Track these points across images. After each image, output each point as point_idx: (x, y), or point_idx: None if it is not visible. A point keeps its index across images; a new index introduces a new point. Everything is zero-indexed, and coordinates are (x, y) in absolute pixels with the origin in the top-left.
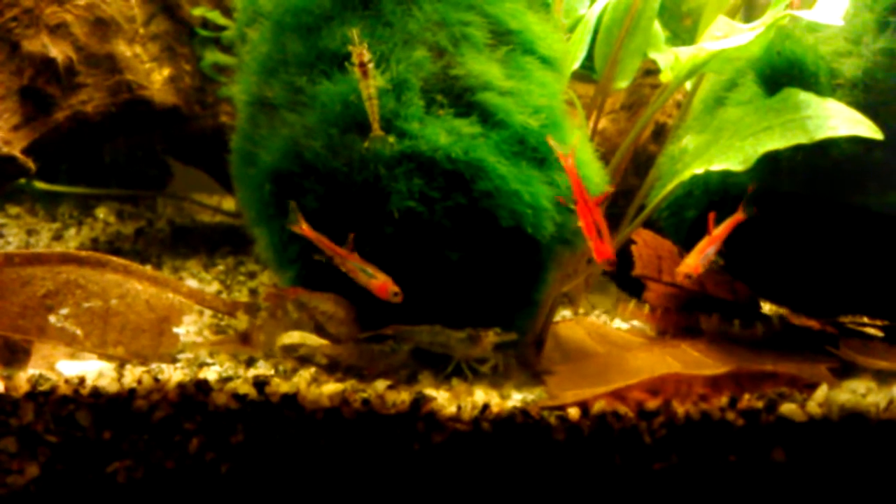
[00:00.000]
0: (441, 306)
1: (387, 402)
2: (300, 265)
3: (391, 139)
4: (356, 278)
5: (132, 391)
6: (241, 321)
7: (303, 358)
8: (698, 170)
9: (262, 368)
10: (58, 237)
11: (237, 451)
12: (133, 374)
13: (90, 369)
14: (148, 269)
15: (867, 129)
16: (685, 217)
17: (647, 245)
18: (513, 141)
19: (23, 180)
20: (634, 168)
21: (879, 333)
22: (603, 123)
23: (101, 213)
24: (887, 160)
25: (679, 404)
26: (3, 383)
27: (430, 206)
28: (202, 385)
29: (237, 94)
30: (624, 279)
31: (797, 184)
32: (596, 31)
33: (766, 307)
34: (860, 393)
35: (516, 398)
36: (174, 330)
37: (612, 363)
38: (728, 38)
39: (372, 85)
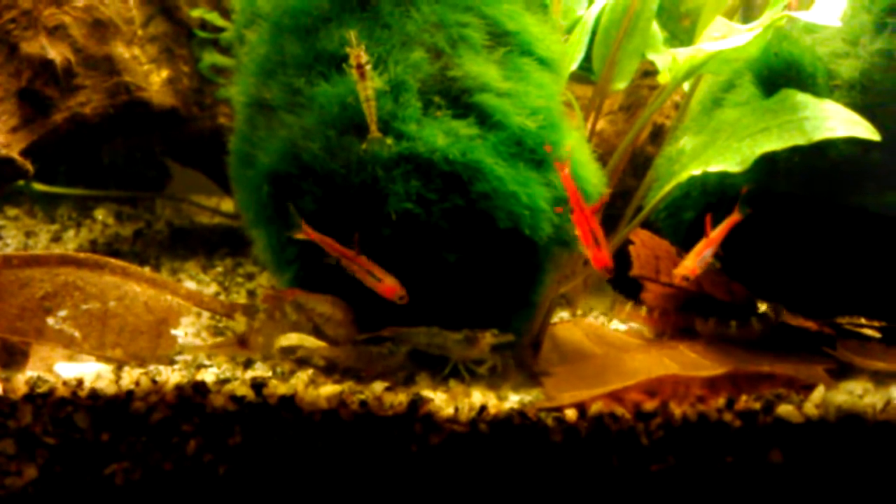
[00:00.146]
0: (438, 308)
1: (384, 404)
2: (298, 267)
3: (389, 141)
4: (363, 280)
5: (130, 393)
6: (240, 323)
7: (300, 360)
8: (696, 171)
9: (260, 370)
10: (56, 239)
11: (235, 452)
12: (131, 376)
13: (88, 371)
14: (146, 270)
15: (865, 130)
16: (683, 218)
17: (644, 245)
18: (510, 142)
19: (21, 182)
20: (632, 169)
21: (877, 334)
22: (601, 125)
23: (99, 214)
24: (885, 161)
25: (676, 406)
26: (1, 385)
27: (427, 207)
28: (200, 387)
29: (235, 96)
30: (621, 280)
31: (795, 185)
32: (594, 33)
33: (764, 308)
34: (857, 394)
35: (514, 399)
36: (172, 332)
37: (610, 364)
38: (726, 39)
39: (369, 86)
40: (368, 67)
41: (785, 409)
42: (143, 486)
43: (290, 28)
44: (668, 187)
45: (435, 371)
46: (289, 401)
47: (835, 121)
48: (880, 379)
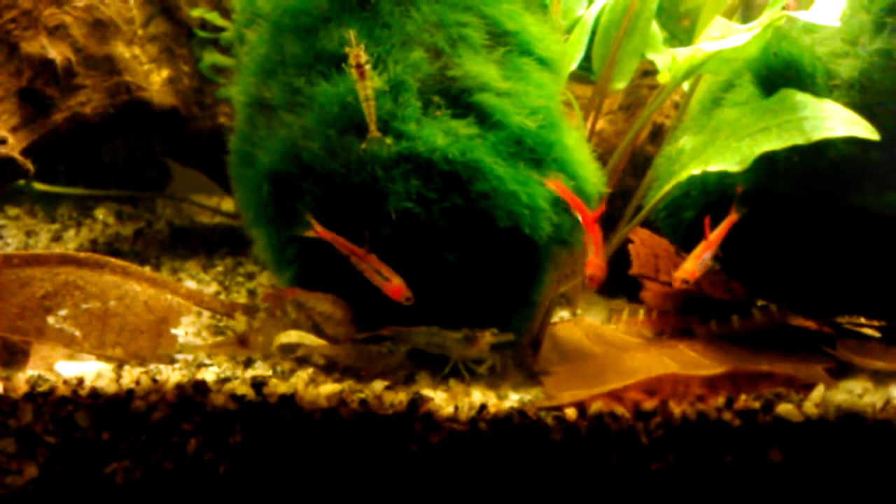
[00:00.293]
0: (438, 307)
1: (384, 403)
2: (298, 266)
3: (388, 140)
4: (370, 279)
5: (130, 392)
6: (240, 322)
7: (300, 359)
8: (695, 170)
9: (260, 369)
10: (57, 238)
11: (235, 451)
12: (131, 375)
13: (89, 370)
14: (146, 270)
15: (864, 129)
16: (682, 217)
17: (644, 244)
18: (510, 142)
19: (22, 181)
20: (632, 169)
21: (876, 334)
22: (601, 124)
23: (100, 214)
24: (884, 161)
25: (676, 405)
26: (2, 384)
27: (427, 207)
28: (200, 386)
29: (235, 96)
30: (620, 280)
31: (794, 184)
32: (594, 32)
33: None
34: (857, 393)
35: (513, 399)
36: (172, 331)
37: (610, 364)
38: (725, 38)
39: (369, 86)
40: (368, 67)
41: (784, 409)
42: (143, 484)
43: (289, 28)
44: (667, 187)
45: (435, 370)
46: (289, 400)
47: (834, 120)
48: (880, 378)
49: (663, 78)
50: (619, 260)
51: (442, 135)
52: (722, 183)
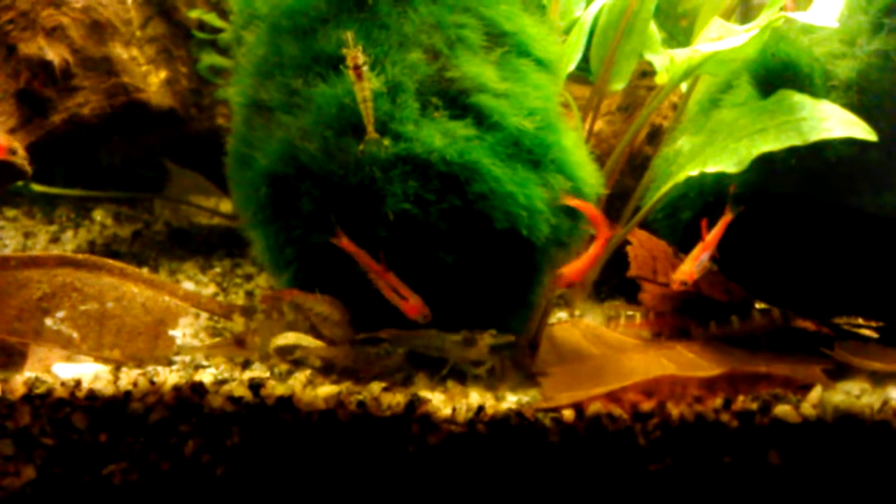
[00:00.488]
0: (436, 308)
1: (382, 404)
2: (296, 267)
3: (386, 141)
4: (387, 296)
5: (128, 394)
6: (238, 324)
7: (297, 360)
8: (693, 171)
9: (258, 371)
10: (55, 240)
11: (233, 453)
12: (129, 377)
13: (86, 372)
14: (144, 271)
15: (861, 130)
16: (680, 218)
17: (642, 246)
18: (508, 143)
19: (20, 183)
20: (630, 170)
21: (874, 335)
22: (599, 125)
23: (98, 215)
24: (882, 161)
25: (673, 406)
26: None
27: (424, 208)
28: (198, 387)
29: (233, 97)
30: (619, 282)
31: (792, 185)
32: (592, 33)
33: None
34: (854, 394)
35: (511, 400)
36: (170, 333)
37: (607, 365)
38: (723, 39)
39: (367, 87)
40: (365, 68)
41: (782, 410)
42: (141, 486)
43: (287, 29)
44: (665, 188)
45: (433, 371)
46: (286, 401)
47: (832, 121)
48: (878, 379)
49: (661, 79)
50: (617, 261)
51: (440, 136)
52: (720, 184)
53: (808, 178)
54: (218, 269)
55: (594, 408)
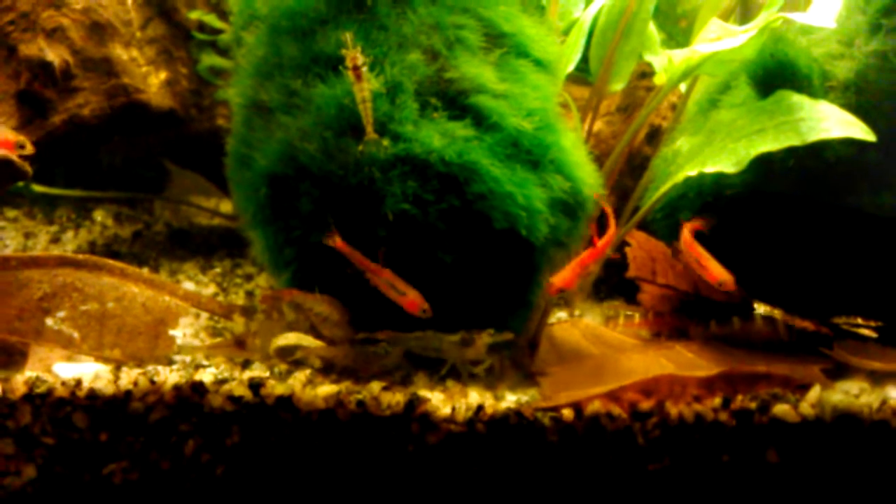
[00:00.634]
0: (435, 308)
1: (381, 404)
2: (296, 267)
3: (385, 142)
4: (386, 293)
5: (128, 393)
6: (238, 324)
7: (297, 361)
8: (692, 172)
9: (258, 370)
10: (55, 240)
11: (232, 452)
12: (129, 377)
13: (87, 371)
14: (144, 271)
15: (860, 130)
16: (679, 219)
17: (641, 247)
18: (506, 143)
19: (20, 184)
20: (629, 170)
21: (873, 334)
22: (598, 126)
23: (98, 216)
24: (880, 162)
25: (672, 405)
26: (0, 385)
27: (424, 208)
28: (198, 387)
29: (233, 98)
30: (618, 283)
31: (790, 186)
32: (591, 34)
33: (761, 308)
34: (853, 394)
35: (510, 399)
36: (170, 332)
37: (607, 364)
38: (721, 40)
39: (366, 88)
40: (364, 69)
41: (781, 409)
42: (141, 485)
43: (287, 30)
44: (664, 188)
45: (432, 371)
46: (286, 401)
47: (830, 122)
48: (876, 379)
49: (660, 79)
50: (615, 262)
51: (439, 136)
52: (718, 184)
53: (807, 178)
54: (218, 270)
55: (593, 407)
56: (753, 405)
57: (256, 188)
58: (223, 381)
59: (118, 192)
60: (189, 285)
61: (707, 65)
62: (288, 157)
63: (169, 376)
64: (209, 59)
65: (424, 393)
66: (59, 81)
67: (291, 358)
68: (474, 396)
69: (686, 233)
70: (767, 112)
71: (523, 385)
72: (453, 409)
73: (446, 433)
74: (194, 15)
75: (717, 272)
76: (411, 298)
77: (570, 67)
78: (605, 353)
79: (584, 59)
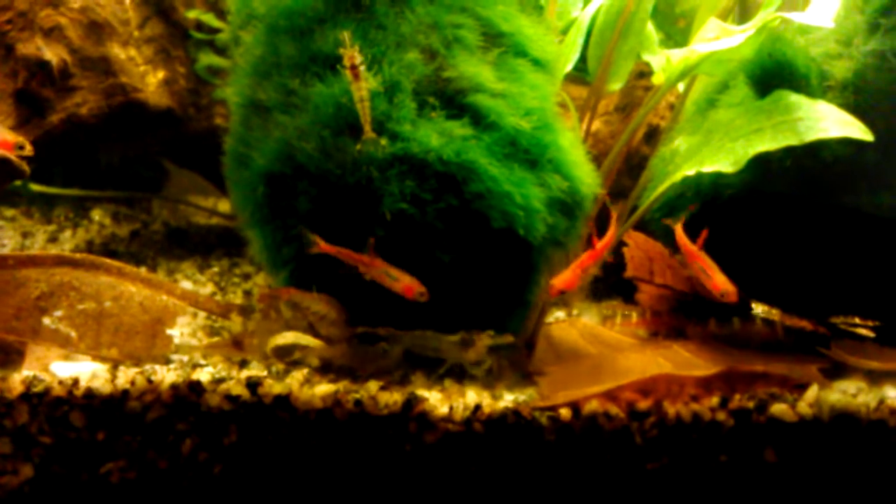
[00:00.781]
0: (433, 308)
1: (379, 403)
2: (294, 266)
3: (383, 141)
4: (381, 282)
5: (125, 392)
6: (235, 323)
7: (295, 362)
8: (690, 171)
9: (255, 369)
10: (53, 239)
11: (230, 451)
12: (126, 376)
13: (84, 371)
14: (142, 271)
15: (858, 130)
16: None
17: (638, 247)
18: (504, 143)
19: (18, 183)
20: (627, 170)
21: (871, 334)
22: (596, 125)
23: (96, 215)
24: (878, 161)
25: (670, 405)
26: None
27: (421, 207)
28: (195, 386)
29: (231, 97)
30: (616, 282)
31: (788, 185)
32: (589, 34)
33: (758, 308)
34: (851, 393)
35: (508, 399)
36: (168, 332)
37: (604, 364)
38: (719, 40)
39: (363, 87)
40: (362, 68)
41: (779, 409)
42: (138, 484)
43: (285, 29)
44: (662, 187)
45: (430, 370)
46: (284, 400)
47: (828, 121)
48: (874, 378)
49: (658, 79)
50: (613, 261)
51: (437, 136)
52: (716, 184)
53: (805, 178)
54: (216, 269)
55: (591, 406)
56: (751, 405)
57: (254, 187)
58: (220, 381)
59: (116, 191)
60: (187, 284)
61: (705, 64)
62: (286, 156)
63: (166, 375)
64: (207, 59)
65: (422, 392)
66: (57, 80)
67: (289, 359)
68: (472, 396)
69: (680, 233)
70: (765, 112)
71: (521, 384)
72: (451, 408)
73: (444, 432)
74: (192, 14)
75: (720, 283)
76: (406, 283)
77: (569, 67)
78: (603, 353)
79: (583, 59)
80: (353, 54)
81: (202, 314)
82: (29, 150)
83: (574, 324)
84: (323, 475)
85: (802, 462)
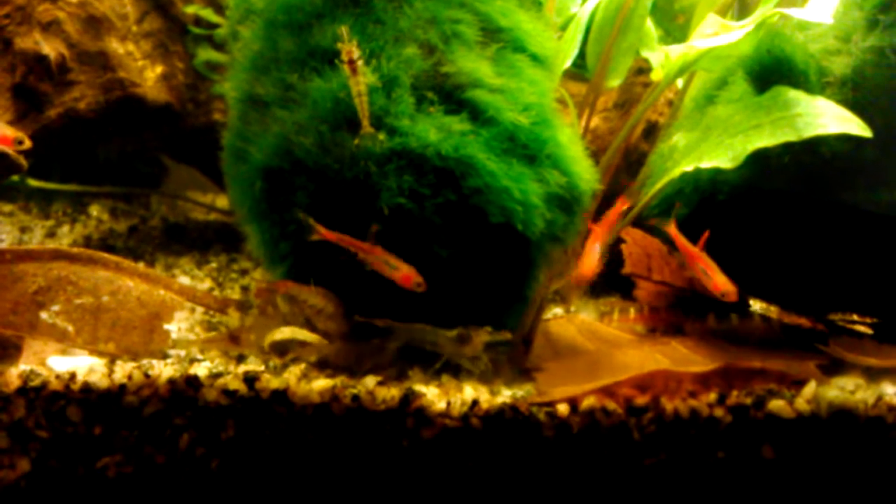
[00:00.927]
0: (431, 303)
1: (376, 398)
2: (291, 261)
3: (381, 136)
4: (380, 270)
5: (123, 387)
6: (233, 318)
7: (293, 359)
8: (688, 167)
9: (253, 364)
10: (51, 234)
11: (227, 446)
12: (124, 370)
13: (81, 365)
14: (140, 265)
15: (856, 126)
16: (676, 214)
17: (636, 244)
18: (503, 138)
19: (16, 178)
20: (626, 166)
21: (869, 331)
22: (595, 122)
23: (94, 210)
24: (876, 158)
25: (668, 401)
26: None
27: (420, 202)
28: (192, 381)
29: (229, 92)
30: (614, 279)
31: (787, 181)
32: (588, 30)
33: (757, 305)
34: (848, 390)
35: (506, 394)
36: (165, 326)
37: (602, 360)
38: (718, 36)
39: (361, 82)
40: (360, 63)
41: (776, 405)
42: (135, 479)
43: (283, 24)
44: (660, 184)
45: (427, 366)
46: (281, 395)
47: (826, 117)
48: (872, 375)
49: (657, 75)
50: (611, 258)
51: (435, 131)
52: (714, 180)
53: (803, 174)
54: (214, 265)
55: (589, 402)
56: (749, 401)
57: (252, 182)
58: (218, 375)
59: (114, 186)
60: (185, 280)
61: (704, 60)
62: (284, 151)
63: (163, 370)
64: (205, 54)
65: (420, 388)
66: (55, 75)
67: (287, 358)
68: (469, 391)
69: (677, 234)
70: (764, 108)
71: (519, 380)
72: (448, 403)
73: (441, 428)
74: (191, 9)
75: (721, 283)
76: (405, 272)
77: (567, 63)
78: (601, 349)
79: (582, 55)
80: (351, 49)
81: (200, 309)
82: (28, 145)
83: (572, 320)
84: (320, 470)
85: (800, 458)
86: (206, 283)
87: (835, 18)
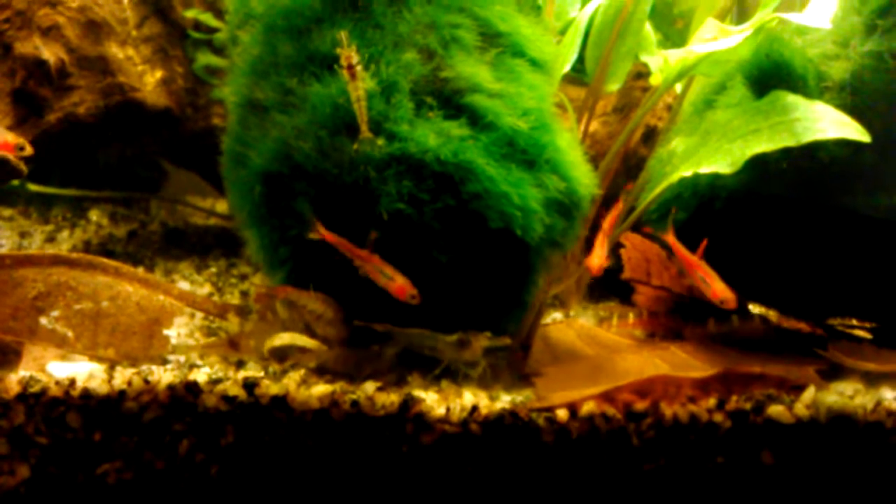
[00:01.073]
0: (430, 308)
1: (376, 404)
2: (291, 266)
3: (380, 141)
4: (375, 279)
5: (122, 393)
6: (233, 323)
7: (292, 365)
8: (687, 172)
9: (252, 370)
10: (50, 239)
11: (227, 452)
12: (123, 376)
13: (81, 371)
14: (139, 271)
15: (855, 131)
16: (674, 219)
17: (635, 249)
18: (502, 143)
19: (16, 182)
20: (625, 171)
21: (868, 336)
22: (594, 126)
23: (94, 215)
24: (875, 163)
25: (667, 406)
26: None
27: (419, 207)
28: (192, 387)
29: (228, 96)
30: (613, 284)
31: (786, 186)
32: (587, 34)
33: (756, 310)
34: (848, 395)
35: (505, 400)
36: (165, 332)
37: (602, 365)
38: (717, 40)
39: (360, 87)
40: (359, 68)
41: (775, 410)
42: (135, 485)
43: (282, 29)
44: (659, 188)
45: (427, 371)
46: (281, 400)
47: (825, 122)
48: (871, 380)
49: (656, 80)
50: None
51: (434, 136)
52: (713, 185)
53: (802, 179)
54: (213, 270)
55: (588, 408)
56: (748, 406)
57: (251, 187)
58: (217, 381)
59: (114, 191)
60: (184, 285)
61: (703, 65)
62: (283, 156)
63: (163, 376)
64: (205, 58)
65: (419, 393)
66: (55, 80)
67: (287, 364)
68: (469, 397)
69: (676, 243)
70: (763, 112)
71: (518, 385)
72: (448, 409)
73: (441, 433)
74: (190, 14)
75: (720, 290)
76: (399, 284)
77: (567, 67)
78: (600, 354)
79: (581, 60)
80: (350, 54)
81: (199, 315)
82: (29, 151)
83: (571, 325)
84: (320, 476)
85: (799, 464)
86: (206, 288)
87: (833, 23)
